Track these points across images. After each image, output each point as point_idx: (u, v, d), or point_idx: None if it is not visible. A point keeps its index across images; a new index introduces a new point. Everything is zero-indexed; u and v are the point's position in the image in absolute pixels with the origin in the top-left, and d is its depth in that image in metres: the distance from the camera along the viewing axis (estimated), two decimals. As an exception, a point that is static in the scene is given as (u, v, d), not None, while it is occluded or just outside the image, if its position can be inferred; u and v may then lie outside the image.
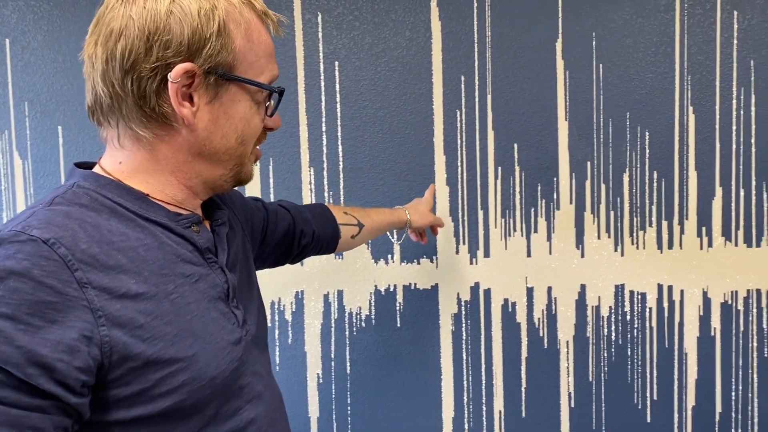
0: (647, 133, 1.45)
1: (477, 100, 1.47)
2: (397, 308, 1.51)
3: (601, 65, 1.44)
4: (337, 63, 1.46)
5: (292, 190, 1.48)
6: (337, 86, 1.47)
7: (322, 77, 1.47)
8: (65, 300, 0.58)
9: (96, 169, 0.72)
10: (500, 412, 1.52)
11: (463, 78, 1.47)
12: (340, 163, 1.48)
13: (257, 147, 0.77)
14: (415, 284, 1.51)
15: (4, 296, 0.56)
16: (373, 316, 1.51)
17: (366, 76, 1.46)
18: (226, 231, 0.78)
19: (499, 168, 1.48)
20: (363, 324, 1.51)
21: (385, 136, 1.48)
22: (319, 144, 1.48)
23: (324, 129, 1.48)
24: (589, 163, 1.46)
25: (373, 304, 1.51)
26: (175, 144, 0.69)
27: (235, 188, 0.85)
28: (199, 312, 0.68)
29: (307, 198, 1.49)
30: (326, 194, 1.49)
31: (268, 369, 0.82)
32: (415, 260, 1.50)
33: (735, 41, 1.41)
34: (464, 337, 1.52)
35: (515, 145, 1.48)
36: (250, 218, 0.95)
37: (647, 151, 1.45)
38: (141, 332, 0.62)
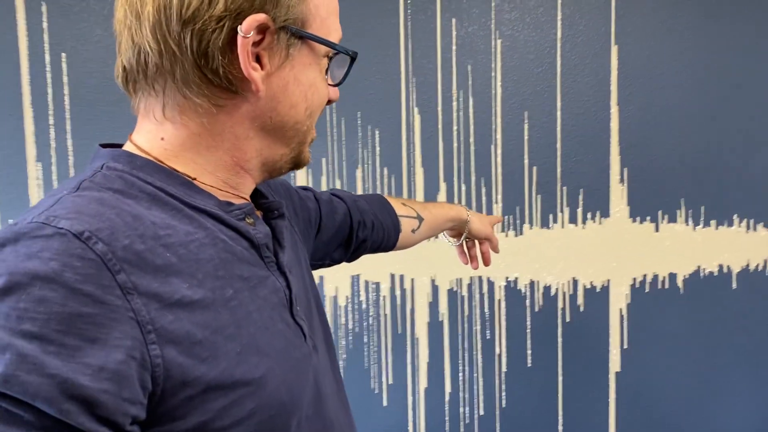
0: (377, 132, 1.53)
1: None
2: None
3: (332, 65, 1.51)
4: (64, 54, 1.43)
5: (17, 185, 1.43)
6: (65, 78, 1.43)
7: (48, 68, 1.42)
8: (107, 311, 0.45)
9: (128, 147, 0.59)
10: (243, 403, 1.55)
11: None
12: (70, 158, 1.45)
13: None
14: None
15: (27, 309, 0.43)
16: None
17: (96, 68, 1.44)
18: (285, 224, 0.66)
19: (239, 163, 1.51)
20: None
21: (118, 130, 1.46)
22: (47, 138, 1.44)
23: (52, 122, 1.44)
24: (324, 159, 1.52)
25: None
26: (237, 115, 0.57)
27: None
28: (263, 323, 0.56)
29: (36, 196, 1.44)
30: (56, 189, 1.45)
31: (341, 393, 0.70)
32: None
33: (454, 47, 1.52)
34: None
35: (254, 142, 1.51)
36: (300, 210, 0.83)
37: (377, 148, 1.53)
38: (199, 350, 0.50)
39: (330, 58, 0.60)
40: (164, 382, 0.48)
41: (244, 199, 0.61)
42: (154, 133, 0.57)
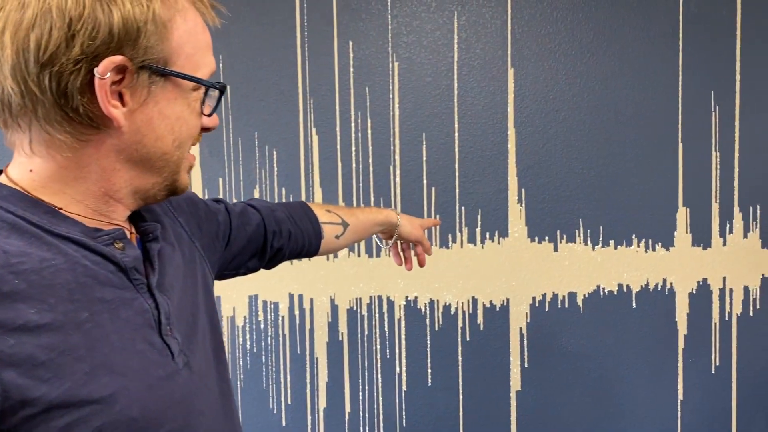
0: (275, 152, 1.54)
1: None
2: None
3: (229, 86, 1.52)
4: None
5: None
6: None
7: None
8: None
9: (1, 179, 0.62)
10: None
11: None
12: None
13: (190, 153, 0.68)
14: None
15: None
16: None
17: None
18: (158, 247, 0.69)
19: (136, 183, 1.51)
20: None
21: None
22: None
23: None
24: (221, 179, 1.53)
25: None
26: (102, 149, 0.60)
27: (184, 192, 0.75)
28: (121, 344, 0.59)
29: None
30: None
31: (227, 406, 0.73)
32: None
33: (351, 69, 1.54)
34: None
35: (151, 161, 1.51)
36: (205, 223, 0.84)
37: (276, 168, 1.54)
38: (41, 372, 0.53)
39: (205, 91, 0.63)
40: (2, 402, 0.51)
41: (116, 224, 0.64)
42: (25, 165, 0.60)
